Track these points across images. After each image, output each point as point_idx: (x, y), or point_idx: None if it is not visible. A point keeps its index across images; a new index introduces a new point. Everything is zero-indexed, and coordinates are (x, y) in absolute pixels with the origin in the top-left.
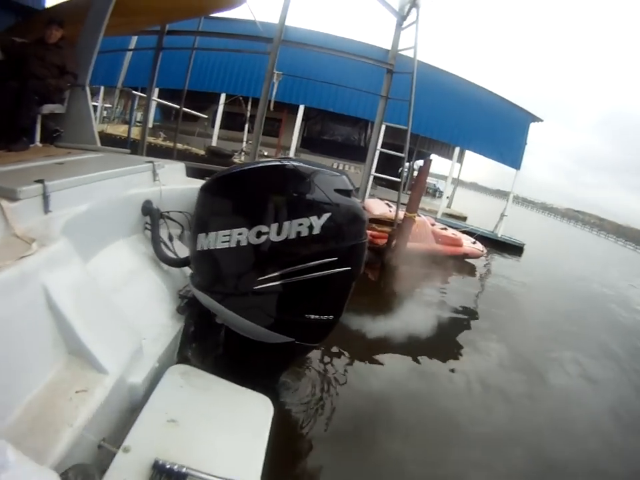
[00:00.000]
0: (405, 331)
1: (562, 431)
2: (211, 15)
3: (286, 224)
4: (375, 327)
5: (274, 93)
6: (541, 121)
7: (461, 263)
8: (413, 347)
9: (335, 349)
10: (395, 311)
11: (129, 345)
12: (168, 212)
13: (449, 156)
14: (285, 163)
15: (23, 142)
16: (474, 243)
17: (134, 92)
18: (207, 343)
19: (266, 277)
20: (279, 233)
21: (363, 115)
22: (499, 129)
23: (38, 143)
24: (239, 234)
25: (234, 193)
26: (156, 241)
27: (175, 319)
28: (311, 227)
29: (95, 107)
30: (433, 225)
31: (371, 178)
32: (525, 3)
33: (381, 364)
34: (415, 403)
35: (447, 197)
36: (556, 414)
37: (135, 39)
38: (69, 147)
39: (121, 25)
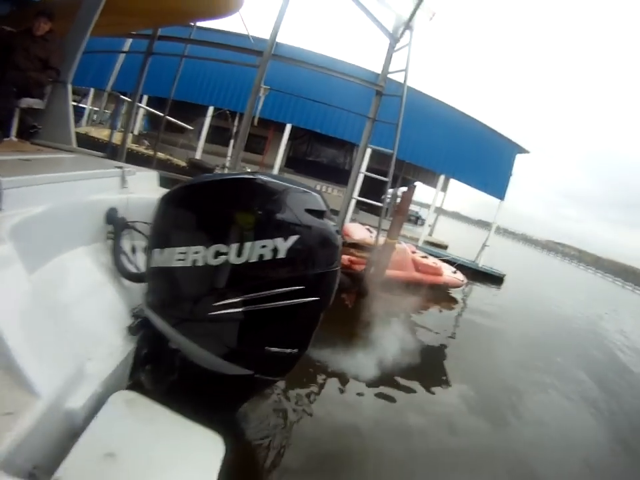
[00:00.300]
0: (377, 364)
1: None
2: (203, 25)
3: (247, 245)
4: (346, 357)
5: (259, 107)
6: (528, 152)
7: (441, 293)
8: (384, 381)
9: (300, 380)
10: (368, 342)
11: (69, 366)
12: (134, 222)
13: (433, 184)
14: (253, 176)
15: None
16: (454, 272)
17: (121, 96)
18: (161, 367)
19: (223, 302)
20: (239, 255)
21: (350, 138)
22: (485, 158)
23: (13, 138)
24: (196, 252)
25: (194, 206)
26: (116, 253)
27: (127, 340)
28: (275, 250)
29: (82, 109)
30: (413, 252)
31: (353, 201)
32: (519, 35)
33: (349, 398)
34: (384, 441)
35: (429, 225)
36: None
37: (129, 42)
38: (43, 145)
39: (112, 25)
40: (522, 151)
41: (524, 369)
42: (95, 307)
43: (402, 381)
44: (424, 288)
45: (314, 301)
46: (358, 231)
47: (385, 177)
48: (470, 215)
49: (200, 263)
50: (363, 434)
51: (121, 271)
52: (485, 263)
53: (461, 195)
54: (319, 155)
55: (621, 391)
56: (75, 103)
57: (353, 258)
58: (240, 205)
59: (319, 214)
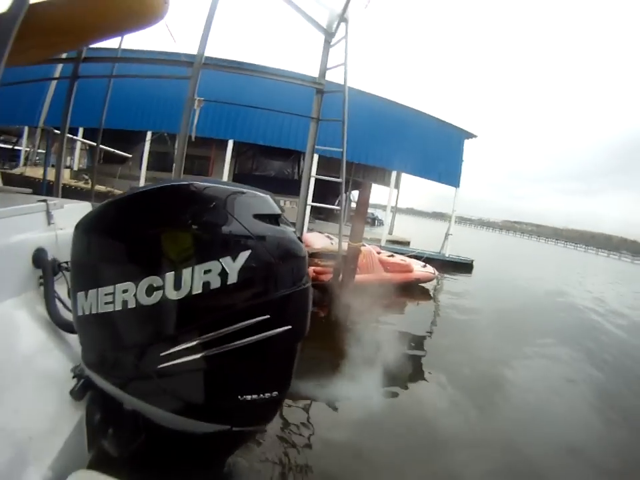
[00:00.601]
0: (366, 377)
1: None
2: (131, 48)
3: (186, 273)
4: (332, 377)
5: (195, 121)
6: (475, 136)
7: (415, 289)
8: (377, 393)
9: (288, 413)
10: (351, 356)
11: (6, 452)
12: (67, 262)
13: (385, 183)
14: (183, 183)
15: None
16: (424, 266)
17: (54, 131)
18: (122, 429)
19: (171, 351)
20: (177, 287)
21: (294, 146)
22: (435, 148)
23: None
24: (124, 291)
25: (114, 231)
26: (50, 301)
27: (73, 406)
28: (223, 274)
29: (18, 151)
30: (379, 253)
31: (308, 209)
32: (448, 21)
33: (346, 421)
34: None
35: (386, 225)
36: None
37: (58, 70)
38: None
39: (32, 50)
40: (469, 136)
41: (510, 348)
42: (30, 371)
43: (395, 388)
44: (397, 287)
45: (286, 331)
46: (318, 240)
47: (336, 179)
48: (424, 208)
49: (132, 305)
50: (366, 459)
51: (57, 322)
52: (450, 252)
53: (412, 191)
54: (266, 168)
55: (604, 356)
56: (9, 146)
57: (317, 268)
58: (169, 222)
59: (272, 219)
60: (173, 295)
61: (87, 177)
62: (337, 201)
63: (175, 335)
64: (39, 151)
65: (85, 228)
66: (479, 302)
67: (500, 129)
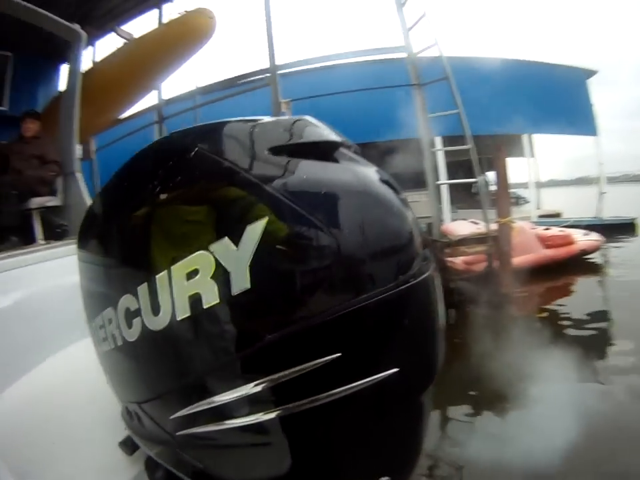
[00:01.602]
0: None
1: None
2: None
3: (160, 282)
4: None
5: None
6: (596, 72)
7: (581, 263)
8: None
9: None
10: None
11: None
12: None
13: (517, 154)
14: (148, 145)
15: (10, 242)
16: (586, 234)
17: None
18: None
19: (177, 415)
20: (155, 310)
21: (407, 135)
22: (560, 98)
23: (40, 241)
24: (109, 321)
25: (87, 238)
26: None
27: (128, 461)
28: (221, 275)
29: None
30: (533, 228)
31: (445, 191)
32: None
33: None
34: None
35: (526, 201)
36: None
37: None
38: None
39: (113, 104)
40: (590, 74)
41: None
42: (87, 421)
43: None
44: (561, 265)
45: (391, 378)
46: (462, 227)
47: (459, 157)
48: (565, 177)
49: (119, 341)
50: None
51: None
52: (607, 213)
53: (549, 163)
54: (391, 165)
55: None
56: None
57: (467, 258)
58: (132, 199)
59: (319, 151)
60: (152, 323)
61: None
62: (472, 176)
63: (171, 391)
64: None
65: (78, 245)
66: None
67: (609, 67)
